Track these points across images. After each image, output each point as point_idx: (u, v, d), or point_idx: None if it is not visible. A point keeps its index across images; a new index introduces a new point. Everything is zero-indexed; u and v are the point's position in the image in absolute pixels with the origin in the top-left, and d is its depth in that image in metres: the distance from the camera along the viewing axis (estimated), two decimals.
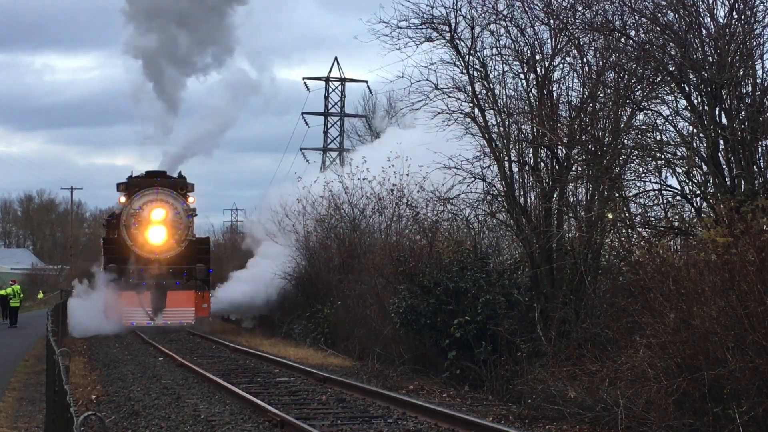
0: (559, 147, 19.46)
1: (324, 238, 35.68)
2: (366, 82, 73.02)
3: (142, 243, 41.40)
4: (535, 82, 20.11)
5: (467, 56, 20.55)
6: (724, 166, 17.10)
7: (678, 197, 17.96)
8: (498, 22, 20.46)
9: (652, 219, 18.36)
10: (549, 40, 20.08)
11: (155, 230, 41.51)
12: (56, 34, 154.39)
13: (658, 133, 18.45)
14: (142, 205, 41.53)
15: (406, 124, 38.45)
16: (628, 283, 16.78)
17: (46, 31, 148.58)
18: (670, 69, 17.70)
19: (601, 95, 19.18)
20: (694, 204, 17.77)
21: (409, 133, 35.32)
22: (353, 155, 43.38)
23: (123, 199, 42.18)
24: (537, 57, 20.13)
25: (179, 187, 42.44)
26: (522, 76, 20.37)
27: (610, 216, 18.32)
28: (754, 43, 17.20)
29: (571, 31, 19.60)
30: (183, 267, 41.26)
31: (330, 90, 76.84)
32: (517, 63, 20.46)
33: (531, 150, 20.29)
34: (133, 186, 42.14)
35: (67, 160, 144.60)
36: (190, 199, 42.48)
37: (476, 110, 20.58)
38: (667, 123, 18.27)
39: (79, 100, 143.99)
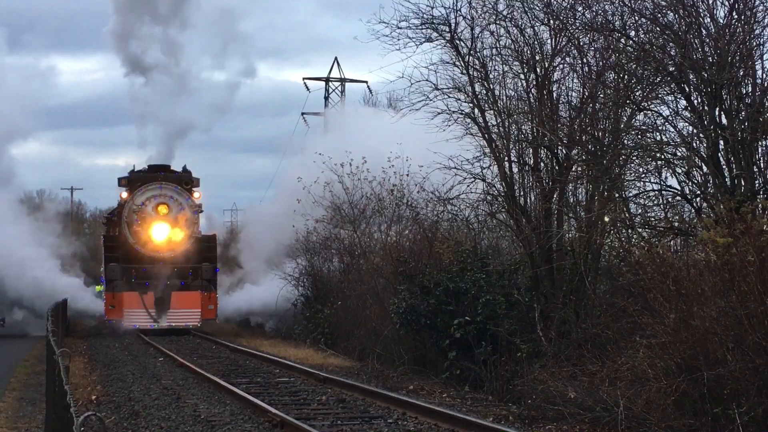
0: (559, 147, 19.47)
1: (324, 238, 35.63)
2: (366, 82, 72.88)
3: (145, 241, 39.30)
4: (535, 83, 20.12)
5: (467, 56, 20.57)
6: (724, 167, 17.10)
7: (678, 197, 17.96)
8: (498, 22, 20.48)
9: (652, 219, 18.36)
10: (549, 41, 20.13)
11: (159, 227, 39.32)
12: (60, 36, 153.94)
13: (658, 134, 18.46)
14: (144, 201, 39.43)
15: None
16: (628, 284, 16.77)
17: (49, 33, 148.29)
18: (670, 69, 17.69)
19: (601, 95, 19.18)
20: (694, 204, 17.77)
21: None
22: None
23: (125, 195, 40.09)
24: (537, 57, 20.15)
25: (184, 181, 40.15)
26: (522, 76, 20.38)
27: (606, 219, 18.33)
28: (754, 43, 17.21)
29: (571, 31, 19.60)
30: (188, 266, 39.13)
31: (330, 90, 76.75)
32: (517, 63, 20.49)
33: (531, 150, 20.30)
34: (136, 181, 40.09)
35: (68, 160, 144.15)
36: (196, 195, 40.30)
37: (476, 110, 20.60)
38: (667, 123, 18.28)
39: (82, 101, 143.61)
